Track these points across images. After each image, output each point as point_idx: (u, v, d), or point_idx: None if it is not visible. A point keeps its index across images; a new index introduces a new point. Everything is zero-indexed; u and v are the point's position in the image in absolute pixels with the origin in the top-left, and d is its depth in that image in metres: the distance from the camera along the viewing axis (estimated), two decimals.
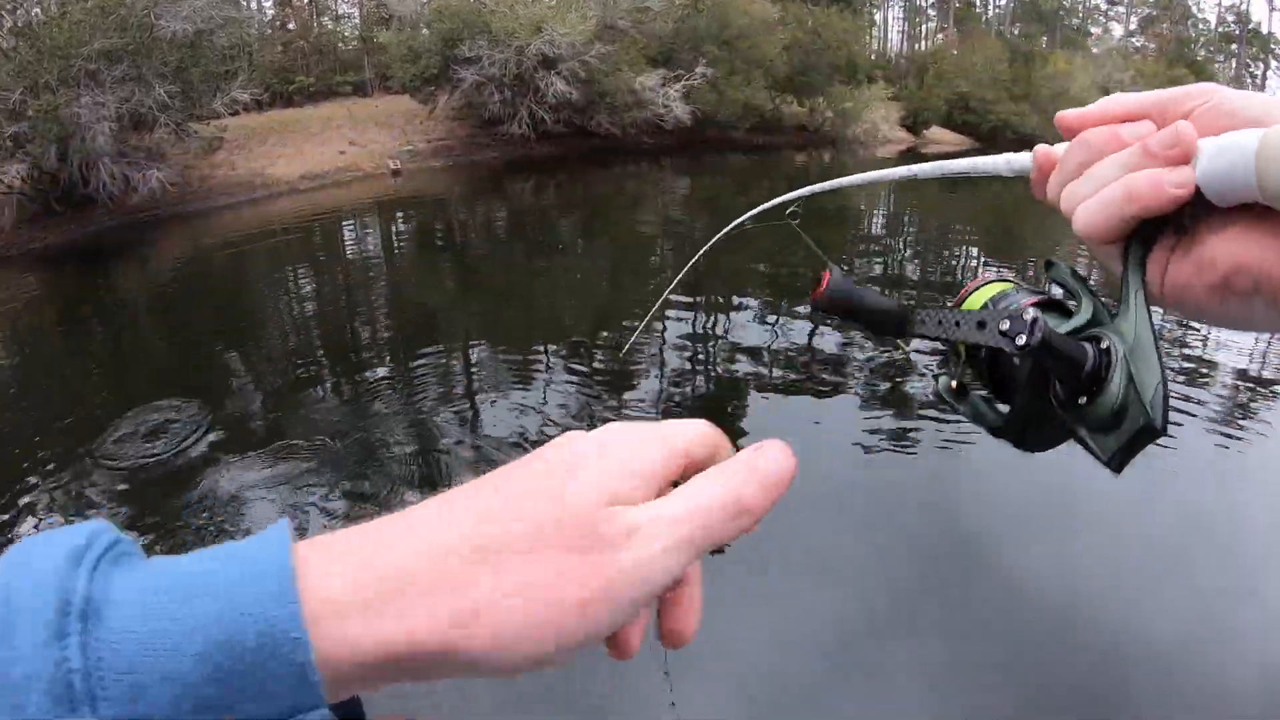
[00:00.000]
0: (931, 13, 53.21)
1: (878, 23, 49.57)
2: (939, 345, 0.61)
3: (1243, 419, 6.85)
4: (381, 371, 7.43)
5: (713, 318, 9.27)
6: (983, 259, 13.91)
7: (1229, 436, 6.46)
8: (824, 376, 7.36)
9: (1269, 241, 0.44)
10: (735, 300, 9.80)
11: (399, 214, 15.52)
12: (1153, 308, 0.52)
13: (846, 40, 30.47)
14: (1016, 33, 50.37)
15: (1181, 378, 7.73)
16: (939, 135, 37.83)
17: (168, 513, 5.11)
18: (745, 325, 8.86)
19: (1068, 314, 0.58)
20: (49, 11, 14.48)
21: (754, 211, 1.78)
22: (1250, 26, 57.97)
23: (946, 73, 38.37)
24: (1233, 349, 8.46)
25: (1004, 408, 0.61)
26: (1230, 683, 3.95)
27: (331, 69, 24.74)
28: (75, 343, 9.15)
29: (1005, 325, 0.51)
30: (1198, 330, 9.19)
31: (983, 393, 0.64)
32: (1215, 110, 0.48)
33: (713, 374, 7.54)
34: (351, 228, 14.56)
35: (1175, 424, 6.54)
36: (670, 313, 9.19)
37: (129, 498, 5.34)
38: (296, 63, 23.92)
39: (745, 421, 6.36)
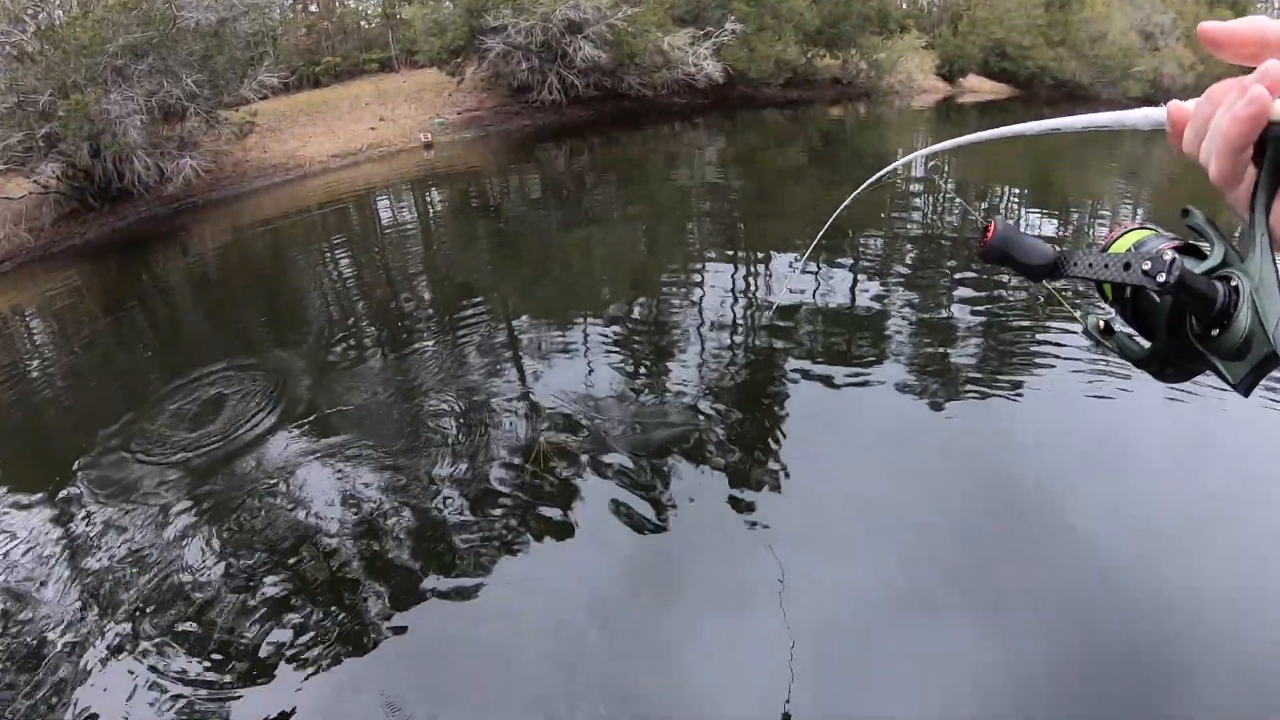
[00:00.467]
0: None
1: None
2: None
3: None
4: (426, 340, 7.29)
5: (752, 272, 8.93)
6: (1022, 207, 13.45)
7: None
8: (870, 330, 7.12)
9: None
10: (775, 256, 9.48)
11: (433, 186, 15.28)
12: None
13: None
14: None
15: None
16: (976, 84, 36.70)
17: (228, 487, 5.02)
18: (787, 280, 8.54)
19: (1202, 256, 0.64)
20: (70, 12, 14.40)
21: (901, 161, 2.13)
22: None
23: (981, 20, 37.04)
24: None
25: (1145, 344, 0.71)
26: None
27: (356, 47, 24.46)
28: (121, 330, 9.09)
29: (1147, 266, 0.60)
30: None
31: (1127, 330, 0.73)
32: None
33: (755, 330, 7.25)
34: (387, 201, 14.35)
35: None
36: (710, 268, 8.92)
37: (189, 475, 5.23)
38: (321, 44, 23.74)
39: (791, 372, 6.16)
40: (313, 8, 25.32)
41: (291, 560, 4.24)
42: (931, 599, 3.85)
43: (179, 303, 10.17)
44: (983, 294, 7.88)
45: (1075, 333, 6.78)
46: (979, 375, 6.17)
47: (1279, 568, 4.15)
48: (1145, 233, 0.72)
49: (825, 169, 16.66)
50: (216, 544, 4.44)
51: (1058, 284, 0.77)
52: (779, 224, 11.28)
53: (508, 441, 5.27)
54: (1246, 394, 0.59)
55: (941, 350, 6.64)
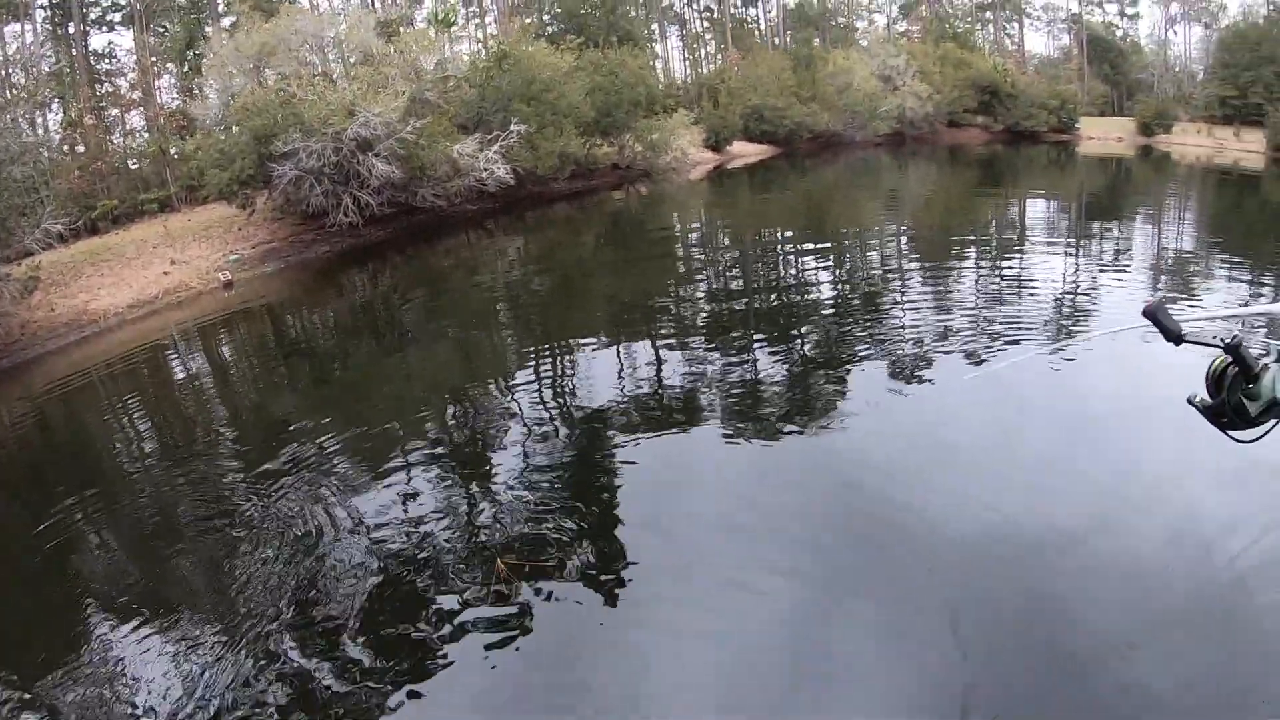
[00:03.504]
0: (708, 37, 56.28)
1: (660, 55, 52.11)
2: None
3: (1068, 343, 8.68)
4: (248, 494, 7.10)
5: (560, 368, 10.01)
6: (808, 252, 15.15)
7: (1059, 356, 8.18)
8: (683, 405, 8.14)
9: None
10: (579, 344, 10.54)
11: (237, 326, 15.38)
12: None
13: (642, 75, 32.07)
14: (791, 40, 54.02)
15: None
16: (741, 149, 40.43)
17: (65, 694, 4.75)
18: (601, 367, 9.61)
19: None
20: None
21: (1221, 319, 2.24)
22: None
23: (736, 90, 40.99)
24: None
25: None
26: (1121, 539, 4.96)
27: (132, 188, 23.78)
28: None
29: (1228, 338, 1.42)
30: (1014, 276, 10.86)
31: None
32: None
33: (575, 430, 7.92)
34: (190, 349, 14.36)
35: (1014, 341, 8.44)
36: (523, 368, 9.87)
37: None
38: (96, 186, 22.86)
39: (617, 461, 6.90)
40: (80, 149, 24.36)
41: None
42: (824, 619, 4.50)
43: None
44: (779, 347, 9.49)
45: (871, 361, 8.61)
46: (795, 412, 7.41)
47: (1114, 496, 5.47)
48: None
49: (617, 251, 18.26)
50: None
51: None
52: (583, 312, 12.46)
53: (334, 599, 5.31)
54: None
55: (756, 397, 7.85)
